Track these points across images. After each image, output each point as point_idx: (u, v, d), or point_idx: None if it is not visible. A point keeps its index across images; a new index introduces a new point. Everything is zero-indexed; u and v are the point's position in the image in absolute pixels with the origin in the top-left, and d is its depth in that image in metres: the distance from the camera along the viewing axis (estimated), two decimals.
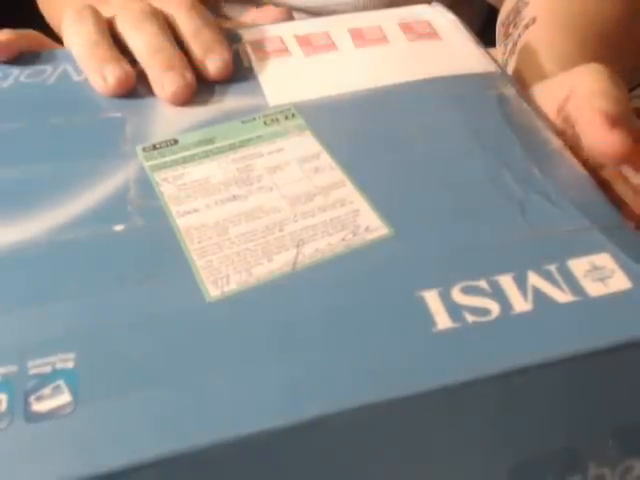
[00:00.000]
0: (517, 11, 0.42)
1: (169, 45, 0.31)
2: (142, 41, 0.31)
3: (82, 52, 0.31)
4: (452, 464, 0.21)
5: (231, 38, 0.33)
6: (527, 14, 0.41)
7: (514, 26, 0.41)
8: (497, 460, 0.21)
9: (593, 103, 0.27)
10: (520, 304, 0.22)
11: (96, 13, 0.32)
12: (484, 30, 0.51)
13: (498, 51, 0.42)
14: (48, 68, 0.32)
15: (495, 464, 0.21)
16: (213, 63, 0.31)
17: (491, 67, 0.32)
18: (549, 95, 0.30)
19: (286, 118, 0.29)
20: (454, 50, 0.33)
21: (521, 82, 0.32)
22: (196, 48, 0.31)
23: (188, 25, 0.32)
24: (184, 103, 0.30)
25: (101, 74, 0.31)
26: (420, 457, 0.21)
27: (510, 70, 0.38)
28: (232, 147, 0.28)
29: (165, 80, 0.30)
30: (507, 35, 0.42)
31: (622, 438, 0.22)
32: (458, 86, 0.31)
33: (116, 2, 0.33)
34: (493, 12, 0.49)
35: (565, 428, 0.21)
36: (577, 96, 0.28)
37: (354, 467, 0.20)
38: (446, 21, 0.35)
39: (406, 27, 0.34)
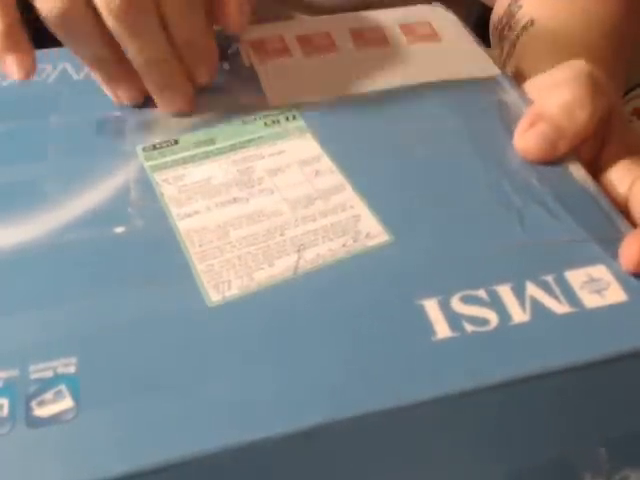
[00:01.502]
0: (510, 14, 0.42)
1: (165, 54, 0.29)
2: (138, 49, 0.29)
3: (90, 67, 0.30)
4: (448, 472, 0.21)
5: (232, 37, 0.33)
6: (523, 16, 0.41)
7: (509, 29, 0.41)
8: (494, 468, 0.22)
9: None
10: (518, 315, 0.22)
11: (93, 19, 0.28)
12: (481, 28, 0.51)
13: (494, 54, 0.42)
14: (47, 67, 0.32)
15: (492, 472, 0.22)
16: (199, 78, 0.30)
17: (492, 70, 0.32)
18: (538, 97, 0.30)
19: (287, 119, 0.29)
20: (454, 53, 0.33)
21: (522, 83, 0.32)
22: (186, 54, 0.30)
23: (179, 25, 0.29)
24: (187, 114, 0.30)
25: (114, 93, 0.30)
26: (417, 464, 0.21)
27: (509, 72, 0.38)
28: (233, 148, 0.28)
29: (165, 98, 0.30)
30: (502, 38, 0.42)
31: (617, 448, 0.22)
32: (458, 91, 0.31)
33: None
34: (488, 11, 0.48)
35: (561, 438, 0.22)
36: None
37: (353, 473, 0.21)
38: (447, 22, 0.35)
39: (407, 29, 0.34)
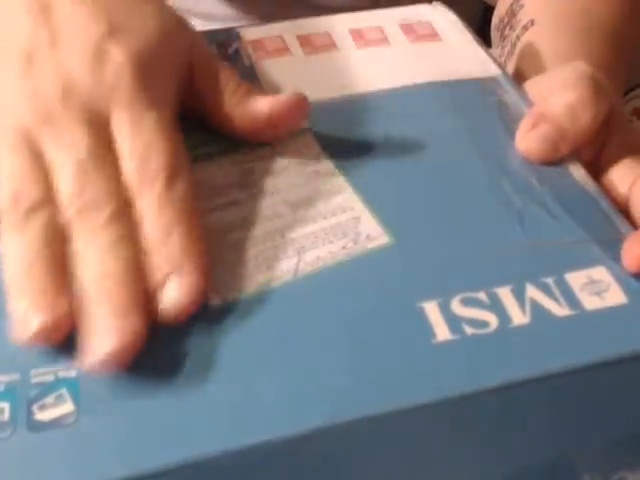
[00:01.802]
0: (512, 14, 0.42)
1: (126, 278, 0.21)
2: (92, 268, 0.21)
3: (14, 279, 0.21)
4: (448, 473, 0.21)
5: (232, 37, 0.33)
6: (524, 16, 0.41)
7: (510, 28, 0.41)
8: (493, 470, 0.22)
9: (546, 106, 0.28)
10: (518, 317, 0.22)
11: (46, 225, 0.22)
12: (482, 28, 0.51)
13: (495, 53, 0.42)
14: None
15: (491, 473, 0.22)
16: (168, 298, 0.21)
17: (492, 71, 0.32)
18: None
19: None
20: (455, 53, 0.33)
21: (522, 83, 0.32)
22: (158, 263, 0.22)
23: (156, 224, 0.22)
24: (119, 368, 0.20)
25: (24, 318, 0.20)
26: (417, 466, 0.21)
27: (509, 71, 0.38)
28: (232, 149, 0.28)
29: (104, 332, 0.20)
30: (503, 37, 0.42)
31: (616, 450, 0.22)
32: (458, 91, 0.31)
33: (67, 141, 0.23)
34: (489, 10, 0.49)
35: (560, 440, 0.22)
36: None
37: (353, 475, 0.21)
38: (447, 22, 0.35)
39: (407, 28, 0.34)
